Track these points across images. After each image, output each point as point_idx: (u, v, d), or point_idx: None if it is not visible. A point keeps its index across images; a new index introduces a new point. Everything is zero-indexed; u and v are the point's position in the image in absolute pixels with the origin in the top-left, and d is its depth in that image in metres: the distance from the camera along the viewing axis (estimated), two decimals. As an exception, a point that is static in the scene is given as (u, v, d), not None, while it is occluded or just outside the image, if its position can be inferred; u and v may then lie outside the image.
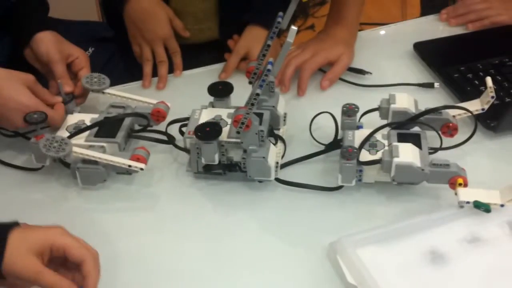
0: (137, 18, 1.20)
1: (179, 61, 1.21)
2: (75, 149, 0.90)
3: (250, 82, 0.97)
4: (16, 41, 1.09)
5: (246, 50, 1.19)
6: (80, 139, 0.95)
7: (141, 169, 0.91)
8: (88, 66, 1.07)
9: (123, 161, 0.91)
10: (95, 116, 0.99)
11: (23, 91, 0.96)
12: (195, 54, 1.28)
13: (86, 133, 0.96)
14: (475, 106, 0.96)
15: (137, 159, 0.91)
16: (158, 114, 0.99)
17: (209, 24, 1.32)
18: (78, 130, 0.95)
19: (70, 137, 0.94)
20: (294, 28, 0.84)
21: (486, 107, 0.95)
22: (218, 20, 1.32)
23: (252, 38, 1.20)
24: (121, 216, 0.92)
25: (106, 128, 0.96)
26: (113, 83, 1.07)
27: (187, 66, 1.22)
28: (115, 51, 1.50)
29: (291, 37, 0.84)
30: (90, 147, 0.93)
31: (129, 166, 0.91)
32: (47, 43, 1.04)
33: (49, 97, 1.00)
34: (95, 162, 0.92)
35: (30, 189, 0.97)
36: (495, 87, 0.95)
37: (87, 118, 0.99)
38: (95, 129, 0.96)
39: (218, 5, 1.30)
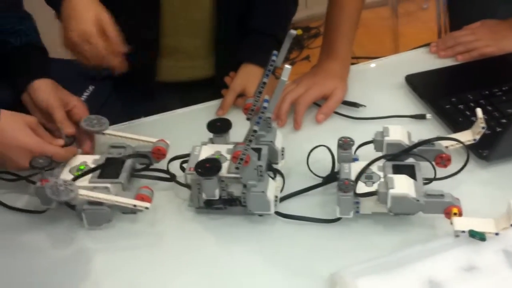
0: None
1: None
2: (80, 191, 0.92)
3: (248, 118, 1.00)
4: (14, 87, 1.10)
5: (242, 88, 1.22)
6: (84, 181, 0.96)
7: (146, 208, 0.92)
8: (87, 114, 1.08)
9: (128, 201, 0.92)
10: (97, 157, 1.01)
11: (26, 131, 0.98)
12: (189, 91, 1.30)
13: (90, 174, 0.97)
14: (467, 136, 0.99)
15: (142, 199, 0.93)
16: (159, 152, 1.01)
17: (201, 62, 1.35)
18: (82, 172, 0.97)
19: (74, 179, 0.95)
20: (288, 66, 0.86)
21: (477, 137, 0.98)
22: (213, 58, 1.34)
23: (248, 76, 1.23)
24: (127, 254, 0.93)
25: (109, 169, 0.98)
26: (111, 122, 1.09)
27: (183, 103, 1.24)
28: (112, 89, 1.52)
29: (285, 75, 0.86)
30: (94, 188, 0.94)
31: (134, 206, 0.92)
32: (45, 90, 1.06)
33: (51, 140, 1.02)
34: (100, 203, 0.93)
35: (35, 231, 0.97)
36: (485, 117, 0.97)
37: (89, 159, 1.01)
38: (98, 171, 0.98)
39: (213, 43, 1.33)
